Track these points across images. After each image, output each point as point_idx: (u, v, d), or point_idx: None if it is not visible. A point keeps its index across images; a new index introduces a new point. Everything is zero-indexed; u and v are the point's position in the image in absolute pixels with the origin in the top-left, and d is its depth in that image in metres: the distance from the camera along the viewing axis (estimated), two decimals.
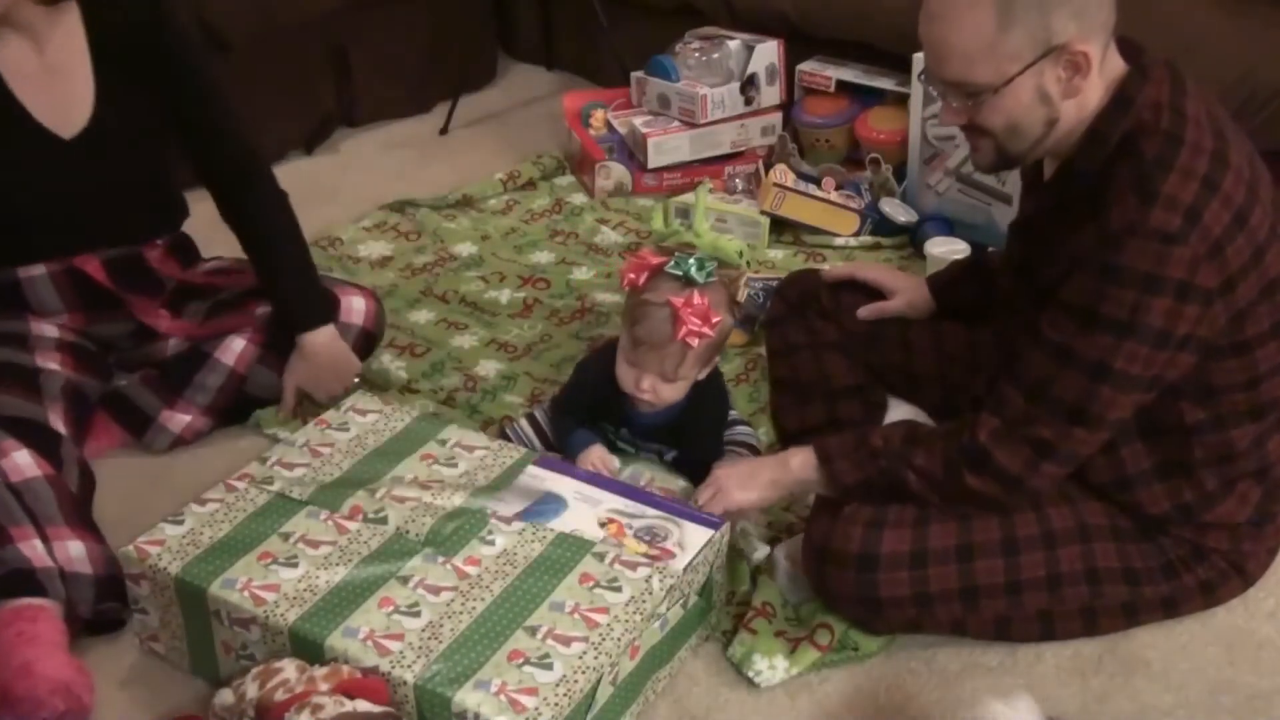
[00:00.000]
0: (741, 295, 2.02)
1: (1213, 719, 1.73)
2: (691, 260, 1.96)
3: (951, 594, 1.75)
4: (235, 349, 2.26)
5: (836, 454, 1.80)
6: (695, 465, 2.04)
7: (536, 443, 2.16)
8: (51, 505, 1.86)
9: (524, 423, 2.20)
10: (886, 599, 1.75)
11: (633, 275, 2.00)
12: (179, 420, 2.26)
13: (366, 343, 2.35)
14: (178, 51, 2.14)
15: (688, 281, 1.95)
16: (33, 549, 1.80)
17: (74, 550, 1.83)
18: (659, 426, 2.07)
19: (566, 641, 1.62)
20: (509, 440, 2.12)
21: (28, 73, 2.03)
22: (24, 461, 1.88)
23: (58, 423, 1.99)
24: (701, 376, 2.05)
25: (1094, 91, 1.64)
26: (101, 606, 1.84)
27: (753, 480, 1.88)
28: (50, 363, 2.08)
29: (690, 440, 2.08)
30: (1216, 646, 1.83)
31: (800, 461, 1.84)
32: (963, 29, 1.59)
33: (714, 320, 1.94)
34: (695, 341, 1.93)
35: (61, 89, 2.06)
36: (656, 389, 1.99)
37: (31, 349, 2.09)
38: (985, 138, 1.69)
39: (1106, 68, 1.64)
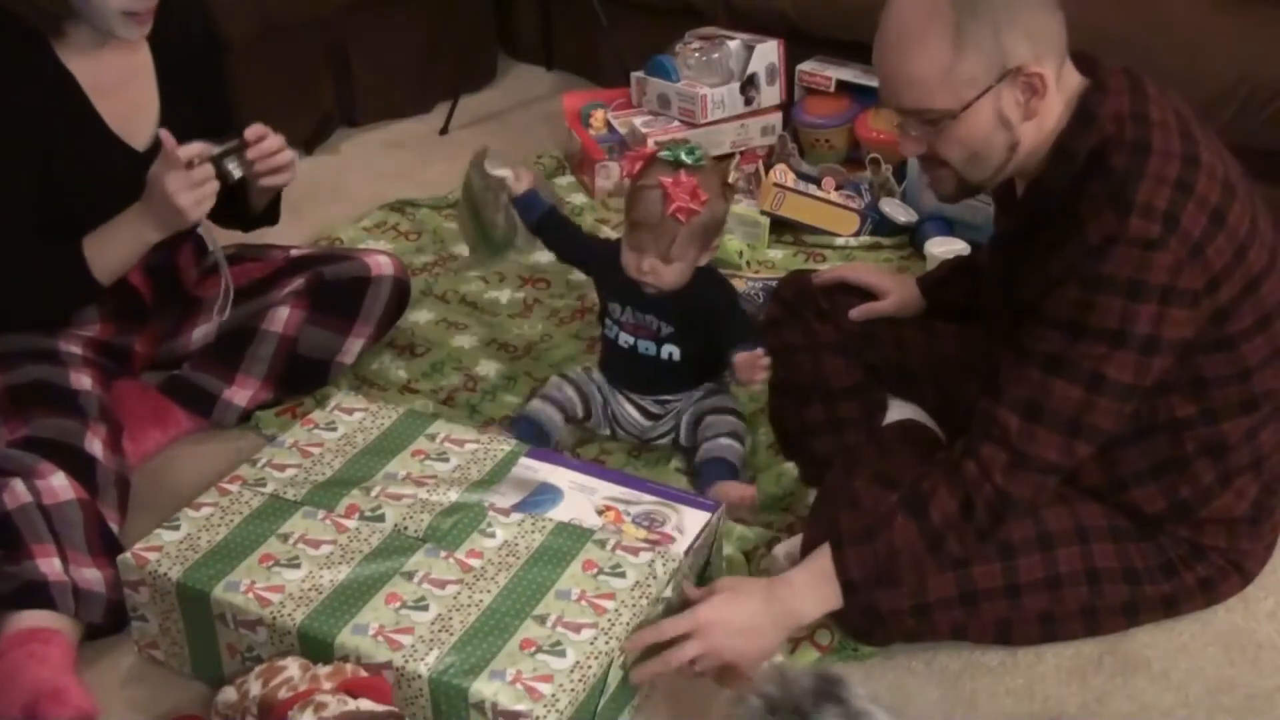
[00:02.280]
0: (732, 177, 2.15)
1: (1213, 719, 1.73)
2: (681, 147, 2.10)
3: (951, 600, 1.75)
4: (281, 316, 2.30)
5: (861, 582, 1.69)
6: (706, 360, 2.17)
7: (578, 405, 2.23)
8: (79, 530, 1.86)
9: (538, 402, 2.23)
10: (886, 613, 1.75)
11: (630, 167, 2.07)
12: (243, 395, 2.31)
13: (399, 293, 2.43)
14: (219, 64, 2.24)
15: (678, 165, 2.08)
16: (50, 565, 1.80)
17: (90, 575, 1.83)
18: (664, 298, 2.15)
19: (576, 628, 1.64)
20: (531, 421, 2.18)
21: (103, 85, 2.04)
22: (59, 484, 1.88)
23: (94, 445, 1.98)
24: (703, 261, 2.14)
25: (1053, 111, 1.63)
26: (104, 623, 1.84)
27: (767, 649, 1.73)
28: (84, 380, 2.08)
29: (703, 316, 2.15)
30: (1216, 646, 1.83)
31: (814, 599, 1.71)
32: (917, 57, 1.59)
33: (702, 198, 2.06)
34: (684, 217, 2.05)
35: (131, 100, 2.09)
36: (656, 270, 2.10)
37: (64, 365, 2.09)
38: (944, 168, 1.68)
39: (1064, 85, 1.64)
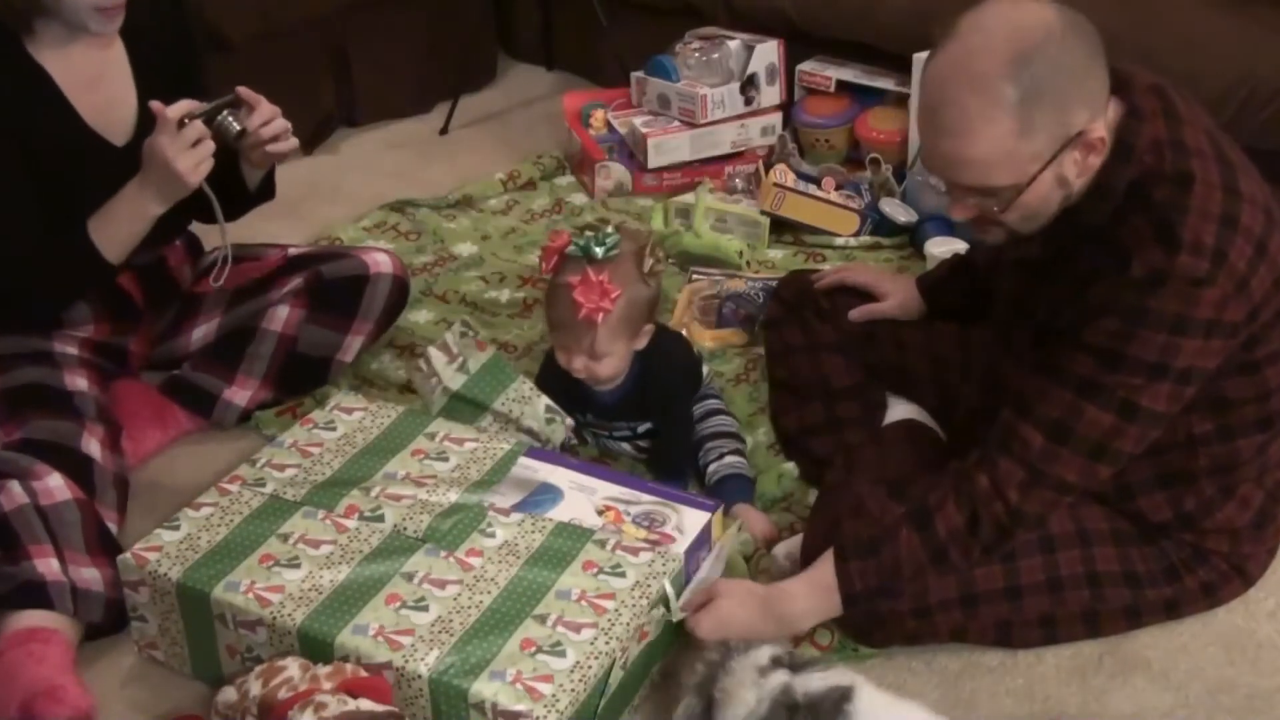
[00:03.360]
0: (648, 265, 2.02)
1: (1213, 719, 1.73)
2: (592, 237, 1.99)
3: (951, 602, 1.75)
4: (281, 315, 2.30)
5: (863, 594, 1.70)
6: (669, 446, 2.12)
7: (575, 441, 2.18)
8: (76, 530, 1.86)
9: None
10: (887, 614, 1.75)
11: (545, 263, 2.04)
12: (243, 394, 2.31)
13: (398, 291, 2.42)
14: (198, 59, 2.22)
15: (589, 259, 1.98)
16: (48, 565, 1.81)
17: (88, 574, 1.84)
18: (619, 402, 2.12)
19: (577, 628, 1.64)
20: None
21: (79, 81, 2.04)
22: (55, 485, 1.88)
23: (91, 446, 1.99)
24: (639, 346, 2.07)
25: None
26: (104, 622, 1.84)
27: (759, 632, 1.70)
28: (79, 382, 2.09)
29: (654, 410, 2.11)
30: (1216, 646, 1.83)
31: (813, 610, 1.73)
32: (981, 142, 1.54)
33: (613, 295, 1.96)
34: (599, 317, 1.96)
35: (108, 96, 2.08)
36: (589, 367, 2.04)
37: (59, 366, 2.09)
38: (997, 226, 1.66)
39: (1106, 119, 1.61)
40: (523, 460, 1.95)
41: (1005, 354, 1.80)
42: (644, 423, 2.15)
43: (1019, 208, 1.60)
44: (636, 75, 3.25)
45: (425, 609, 1.67)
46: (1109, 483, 1.75)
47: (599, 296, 1.96)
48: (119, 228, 2.02)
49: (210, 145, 1.96)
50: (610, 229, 2.03)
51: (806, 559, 1.82)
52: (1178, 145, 1.59)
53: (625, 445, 2.21)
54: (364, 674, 1.59)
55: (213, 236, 2.39)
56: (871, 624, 1.77)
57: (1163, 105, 1.63)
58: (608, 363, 2.04)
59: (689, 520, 1.82)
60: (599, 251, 1.98)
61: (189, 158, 1.93)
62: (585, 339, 2.00)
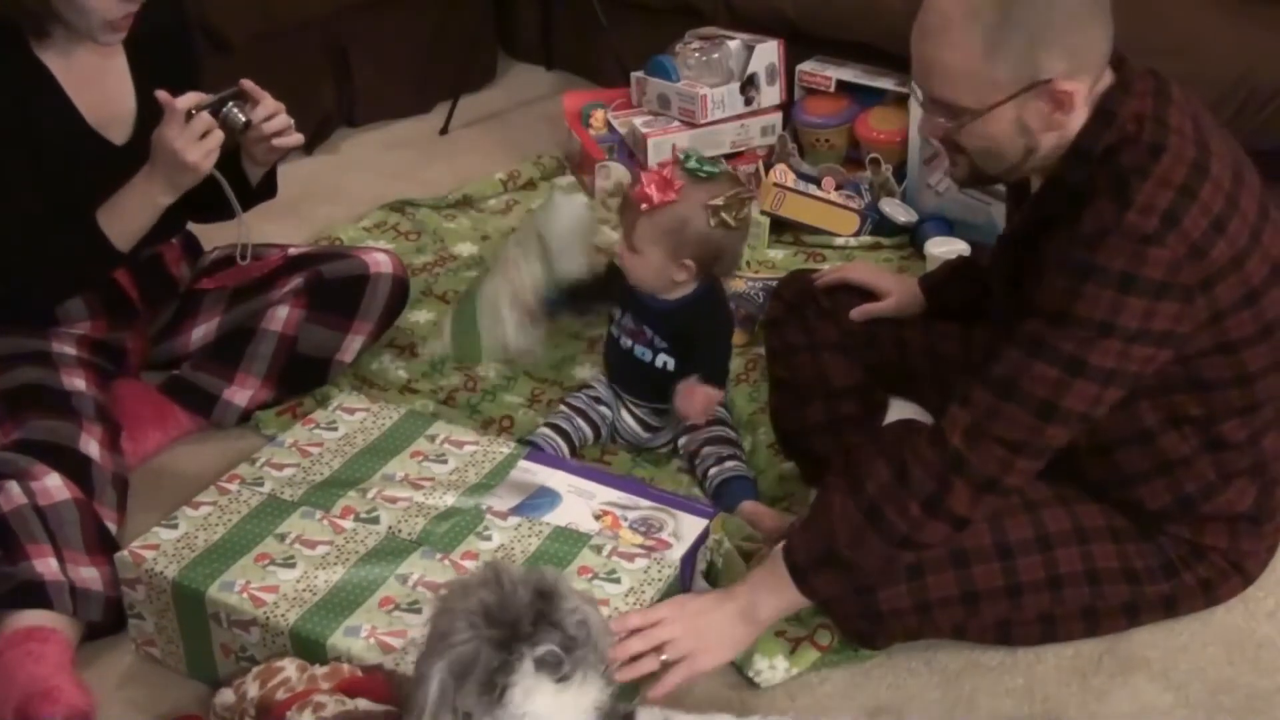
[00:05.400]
0: (718, 200, 2.03)
1: (1213, 719, 1.73)
2: (695, 156, 2.09)
3: (951, 600, 1.75)
4: (281, 315, 2.30)
5: (805, 564, 1.68)
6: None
7: (564, 449, 2.17)
8: (75, 530, 1.86)
9: (548, 430, 2.20)
10: (887, 612, 1.74)
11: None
12: (243, 394, 2.31)
13: (398, 290, 2.41)
14: (196, 57, 2.23)
15: (681, 165, 2.06)
16: (46, 565, 1.80)
17: (87, 574, 1.83)
18: (661, 311, 2.15)
19: None
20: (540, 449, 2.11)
21: (80, 80, 2.04)
22: (54, 485, 1.88)
23: (90, 446, 1.99)
24: (677, 278, 2.10)
25: (1079, 117, 1.62)
26: (104, 621, 1.84)
27: (728, 640, 1.71)
28: (77, 382, 2.08)
29: (689, 335, 2.14)
30: (1216, 646, 1.83)
31: (765, 587, 1.71)
32: (950, 50, 1.58)
33: (667, 194, 2.01)
34: (641, 202, 2.03)
35: (107, 95, 2.08)
36: (624, 256, 2.12)
37: (57, 367, 2.09)
38: (961, 154, 1.69)
39: (1095, 90, 1.62)
40: (521, 463, 1.94)
41: (996, 337, 1.80)
42: (667, 350, 2.15)
43: (976, 136, 1.63)
44: (636, 75, 3.25)
45: (419, 612, 1.66)
46: (1104, 471, 1.76)
47: (658, 185, 2.02)
48: (127, 218, 2.02)
49: (219, 135, 1.97)
50: (719, 162, 2.12)
51: None
52: (1159, 121, 1.61)
53: (633, 424, 2.23)
54: (361, 674, 1.58)
55: (210, 237, 2.40)
56: (873, 625, 1.77)
57: (1155, 86, 1.64)
58: (639, 263, 2.09)
59: (686, 526, 1.82)
60: (688, 162, 2.06)
61: (198, 149, 1.94)
62: (628, 221, 2.08)
